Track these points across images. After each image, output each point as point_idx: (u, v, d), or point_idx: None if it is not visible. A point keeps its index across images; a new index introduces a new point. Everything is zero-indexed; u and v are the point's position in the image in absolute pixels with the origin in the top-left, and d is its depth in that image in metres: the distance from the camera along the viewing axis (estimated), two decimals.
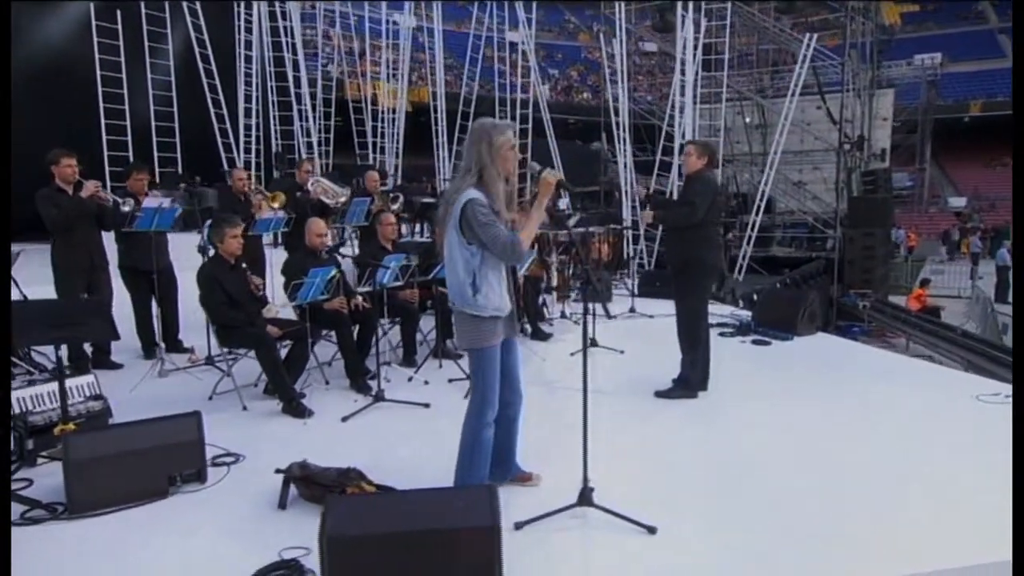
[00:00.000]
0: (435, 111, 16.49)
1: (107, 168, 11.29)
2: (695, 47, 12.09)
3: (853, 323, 13.65)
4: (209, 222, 5.25)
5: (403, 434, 4.15)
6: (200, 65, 13.37)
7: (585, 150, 17.62)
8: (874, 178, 16.43)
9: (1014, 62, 4.27)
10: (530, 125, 16.46)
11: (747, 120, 18.27)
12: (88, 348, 5.46)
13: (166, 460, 3.26)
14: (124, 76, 12.17)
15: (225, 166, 13.68)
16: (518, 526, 2.93)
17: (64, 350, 5.09)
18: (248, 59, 13.88)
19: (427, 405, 4.56)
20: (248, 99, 13.81)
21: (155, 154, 13.02)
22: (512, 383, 3.20)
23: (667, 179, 12.48)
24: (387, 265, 4.80)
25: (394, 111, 16.43)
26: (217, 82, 13.56)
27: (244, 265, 4.77)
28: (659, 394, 4.71)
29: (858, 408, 4.56)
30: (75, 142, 10.81)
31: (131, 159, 12.17)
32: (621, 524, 2.93)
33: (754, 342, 6.33)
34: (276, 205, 6.60)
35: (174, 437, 3.30)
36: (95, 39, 11.84)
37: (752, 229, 13.39)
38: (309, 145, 15.49)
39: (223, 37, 14.03)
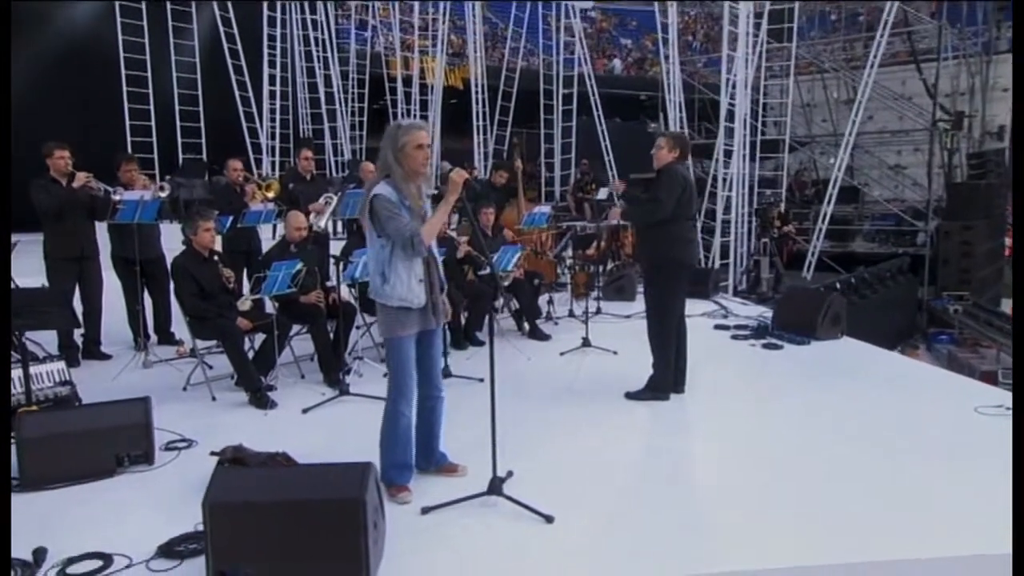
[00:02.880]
0: (476, 88, 16.96)
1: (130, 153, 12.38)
2: (756, 15, 12.23)
3: (943, 330, 13.41)
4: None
5: (356, 426, 4.69)
6: (226, 46, 14.43)
7: (639, 131, 17.77)
8: (983, 160, 15.92)
9: (1014, 62, 4.47)
10: (575, 106, 16.78)
11: (834, 95, 17.98)
12: (79, 338, 6.29)
13: (114, 441, 3.92)
14: (148, 59, 13.29)
15: (250, 152, 14.71)
16: (425, 511, 3.46)
17: (55, 337, 6.00)
18: (272, 38, 14.83)
19: None
20: (273, 81, 14.77)
21: (179, 139, 14.16)
22: (429, 377, 3.74)
23: (724, 164, 12.62)
24: (355, 260, 5.39)
25: (430, 88, 16.99)
26: (243, 64, 14.58)
27: (216, 257, 5.46)
28: (629, 395, 5.12)
29: (836, 415, 4.84)
30: (99, 127, 11.98)
31: (155, 144, 13.36)
32: (524, 513, 3.41)
33: (765, 346, 6.59)
34: (271, 195, 7.32)
35: (123, 420, 3.98)
36: (119, 21, 13.00)
37: (823, 220, 13.34)
38: (333, 130, 16.33)
39: (251, 18, 15.06)
